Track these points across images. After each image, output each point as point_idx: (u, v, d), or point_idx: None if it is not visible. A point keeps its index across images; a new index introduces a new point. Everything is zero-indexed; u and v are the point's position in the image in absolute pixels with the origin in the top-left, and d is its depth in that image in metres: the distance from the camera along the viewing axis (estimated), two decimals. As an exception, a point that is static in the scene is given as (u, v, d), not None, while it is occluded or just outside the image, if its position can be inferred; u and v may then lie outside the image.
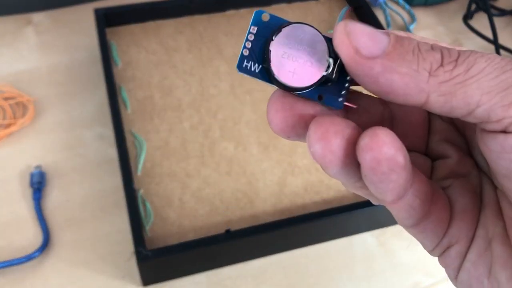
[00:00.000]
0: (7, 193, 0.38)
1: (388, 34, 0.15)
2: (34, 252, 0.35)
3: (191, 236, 0.35)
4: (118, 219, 0.37)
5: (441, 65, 0.15)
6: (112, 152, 0.41)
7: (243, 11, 0.50)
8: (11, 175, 0.39)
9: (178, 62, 0.46)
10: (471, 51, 0.15)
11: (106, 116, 0.43)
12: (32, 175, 0.39)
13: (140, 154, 0.39)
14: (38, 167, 0.39)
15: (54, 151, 0.41)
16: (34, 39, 0.49)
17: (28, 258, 0.35)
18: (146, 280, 0.34)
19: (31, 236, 0.36)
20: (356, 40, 0.15)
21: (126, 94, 0.43)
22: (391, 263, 0.37)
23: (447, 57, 0.15)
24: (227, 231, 0.34)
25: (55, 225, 0.37)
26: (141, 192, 0.37)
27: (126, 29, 0.48)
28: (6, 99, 0.43)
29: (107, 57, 0.42)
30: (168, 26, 0.48)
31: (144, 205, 0.36)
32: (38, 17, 0.51)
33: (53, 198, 0.38)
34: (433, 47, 0.15)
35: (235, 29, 0.49)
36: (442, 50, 0.15)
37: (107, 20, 0.46)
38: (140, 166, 0.38)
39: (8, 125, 0.42)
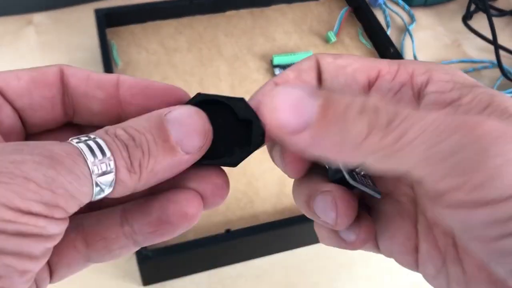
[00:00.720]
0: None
1: (316, 100, 0.15)
2: (35, 252, 0.35)
3: (191, 236, 0.35)
4: (118, 219, 0.37)
5: (370, 133, 0.14)
6: (113, 152, 0.41)
7: (243, 12, 0.51)
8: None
9: (178, 62, 0.46)
10: (409, 113, 0.14)
11: (106, 116, 0.43)
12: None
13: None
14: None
15: (54, 151, 0.41)
16: (34, 39, 0.49)
17: (29, 257, 0.35)
18: (146, 279, 0.34)
19: (32, 236, 0.36)
20: (280, 118, 0.15)
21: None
22: (390, 262, 0.37)
23: (377, 123, 0.14)
24: (227, 231, 0.34)
25: (55, 225, 0.37)
26: (141, 192, 0.37)
27: (127, 29, 0.48)
28: (6, 99, 0.43)
29: (107, 57, 0.42)
30: (168, 27, 0.48)
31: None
32: (39, 17, 0.51)
33: (54, 198, 0.38)
34: (363, 111, 0.14)
35: (235, 30, 0.49)
36: (371, 116, 0.14)
37: (108, 20, 0.46)
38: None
39: (8, 125, 0.42)
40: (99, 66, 0.44)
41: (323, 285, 0.36)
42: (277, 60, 0.46)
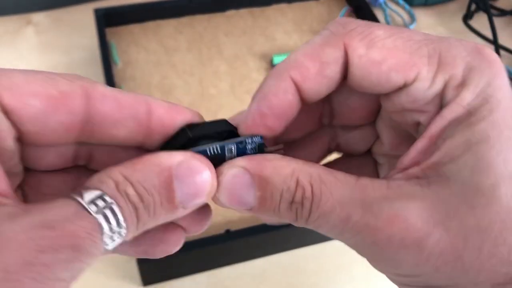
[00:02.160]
0: (7, 193, 0.38)
1: (255, 191, 0.17)
2: (34, 252, 0.35)
3: (191, 237, 0.35)
4: (118, 219, 0.37)
5: (296, 220, 0.18)
6: (112, 152, 0.41)
7: (242, 11, 0.51)
8: (10, 175, 0.39)
9: (178, 62, 0.46)
10: (320, 214, 0.17)
11: (106, 116, 0.43)
12: (31, 175, 0.39)
13: (140, 154, 0.39)
14: (37, 167, 0.39)
15: (53, 151, 0.41)
16: (34, 39, 0.49)
17: (28, 258, 0.35)
18: (146, 280, 0.34)
19: (31, 236, 0.36)
20: (225, 202, 0.18)
21: (126, 94, 0.43)
22: (391, 263, 0.37)
23: (301, 216, 0.17)
24: (227, 231, 0.34)
25: (54, 225, 0.37)
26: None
27: (126, 29, 0.48)
28: (5, 99, 0.43)
29: (106, 57, 0.42)
30: (167, 26, 0.48)
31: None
32: (38, 17, 0.51)
33: (53, 198, 0.38)
34: (291, 205, 0.17)
35: (235, 29, 0.49)
36: (297, 209, 0.17)
37: (107, 20, 0.46)
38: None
39: (7, 125, 0.42)
40: (99, 66, 0.44)
41: (322, 285, 0.36)
42: (277, 60, 0.46)
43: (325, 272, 0.36)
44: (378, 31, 0.17)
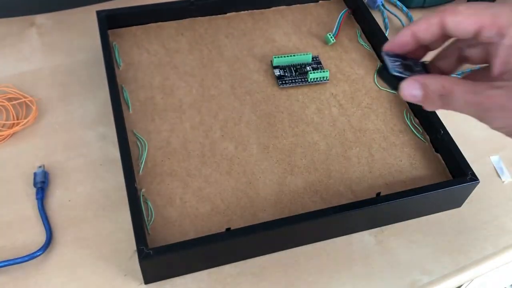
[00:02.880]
0: (11, 193, 0.39)
1: (421, 91, 0.30)
2: (37, 251, 0.35)
3: (192, 235, 0.36)
4: (120, 218, 0.38)
5: (443, 106, 0.30)
6: (114, 152, 0.41)
7: (243, 13, 0.51)
8: (14, 175, 0.40)
9: (179, 63, 0.46)
10: (452, 100, 0.29)
11: (108, 117, 0.43)
12: (35, 175, 0.39)
13: (142, 154, 0.39)
14: (41, 166, 0.40)
15: (57, 151, 0.41)
16: (37, 40, 0.49)
17: (31, 256, 0.35)
18: (148, 278, 0.35)
19: (34, 235, 0.37)
20: (407, 97, 0.30)
21: (128, 95, 0.43)
22: (389, 261, 0.38)
23: (444, 103, 0.30)
24: (228, 229, 0.34)
25: (58, 224, 0.37)
26: (142, 192, 0.37)
27: (128, 31, 0.48)
28: (9, 99, 0.44)
29: (109, 59, 0.43)
30: (169, 28, 0.49)
31: (146, 204, 0.37)
32: (41, 19, 0.51)
33: (56, 198, 0.39)
34: (440, 96, 0.29)
35: (236, 31, 0.49)
36: (443, 99, 0.30)
37: (109, 22, 0.47)
38: (142, 165, 0.39)
39: (11, 125, 0.42)
40: (101, 67, 0.45)
41: (322, 283, 0.36)
42: (277, 61, 0.46)
43: (324, 270, 0.37)
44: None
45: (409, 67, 0.30)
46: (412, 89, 0.29)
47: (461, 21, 0.28)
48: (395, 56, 0.31)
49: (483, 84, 0.27)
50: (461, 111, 0.28)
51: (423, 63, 0.31)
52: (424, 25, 0.29)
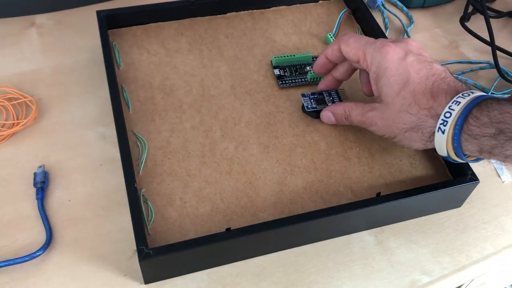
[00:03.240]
0: (11, 193, 0.39)
1: (331, 115, 0.43)
2: (37, 251, 0.35)
3: (192, 235, 0.36)
4: (120, 218, 0.38)
5: (350, 124, 0.43)
6: (114, 152, 0.41)
7: (243, 13, 0.51)
8: (14, 175, 0.40)
9: (179, 63, 0.46)
10: (352, 119, 0.43)
11: (108, 117, 0.43)
12: (35, 175, 0.39)
13: (142, 154, 0.39)
14: (41, 166, 0.40)
15: (57, 151, 0.41)
16: (37, 40, 0.49)
17: (31, 256, 0.35)
18: (147, 278, 0.35)
19: (34, 235, 0.37)
20: (325, 119, 0.44)
21: (128, 94, 0.43)
22: (389, 261, 0.38)
23: (347, 120, 0.43)
24: (228, 229, 0.34)
25: (58, 224, 0.37)
26: (142, 192, 0.37)
27: (128, 30, 0.48)
28: (9, 99, 0.44)
29: (109, 58, 0.43)
30: (169, 28, 0.49)
31: (146, 204, 0.37)
32: (41, 19, 0.51)
33: (56, 197, 0.39)
34: (345, 119, 0.43)
35: (236, 31, 0.49)
36: (347, 120, 0.43)
37: (109, 22, 0.47)
38: (142, 165, 0.39)
39: (11, 125, 0.42)
40: (101, 67, 0.45)
41: (321, 283, 0.36)
42: (277, 61, 0.46)
43: (324, 270, 0.37)
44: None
45: (322, 100, 0.43)
46: (326, 117, 0.41)
47: (348, 51, 0.39)
48: (312, 94, 0.43)
49: (368, 106, 0.38)
50: (359, 126, 0.40)
51: (336, 91, 0.44)
52: (330, 50, 0.41)
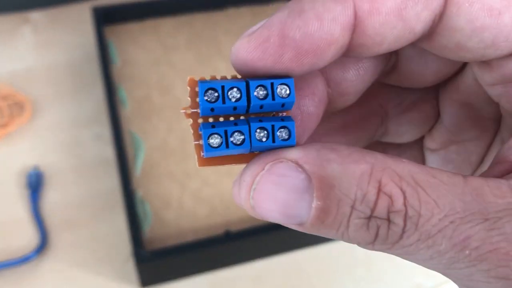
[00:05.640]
0: (4, 194, 0.38)
1: (311, 200, 0.11)
2: (31, 254, 0.35)
3: (190, 237, 0.35)
4: (116, 220, 0.37)
5: (374, 244, 0.12)
6: (111, 152, 0.41)
7: (242, 9, 0.50)
8: (7, 176, 0.39)
9: (177, 60, 0.45)
10: (420, 237, 0.11)
11: (104, 116, 0.42)
12: (29, 176, 0.38)
13: (139, 154, 0.39)
14: (35, 167, 0.39)
15: (51, 151, 0.41)
16: (31, 37, 0.48)
17: (25, 259, 0.34)
18: (144, 281, 0.34)
19: (28, 238, 0.36)
20: (262, 214, 0.12)
21: (124, 93, 0.42)
22: (392, 264, 0.37)
23: (383, 238, 0.12)
24: (226, 232, 0.33)
25: (52, 226, 0.37)
26: (140, 193, 0.37)
27: (124, 27, 0.47)
28: (3, 98, 0.43)
29: (105, 56, 0.42)
30: (166, 24, 0.48)
31: (143, 206, 0.36)
32: (36, 15, 0.50)
33: (51, 199, 0.38)
34: (370, 220, 0.11)
35: (235, 28, 0.49)
36: (378, 230, 0.11)
37: (105, 18, 0.46)
38: (139, 166, 0.38)
39: (4, 125, 0.42)
40: (97, 64, 0.44)
41: (323, 287, 0.36)
42: (277, 59, 0.46)
43: (326, 274, 0.36)
44: None
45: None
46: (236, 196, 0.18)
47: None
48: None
49: None
50: None
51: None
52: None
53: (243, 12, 0.50)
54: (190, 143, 0.43)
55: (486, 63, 0.13)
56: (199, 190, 0.37)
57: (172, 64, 0.45)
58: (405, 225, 0.11)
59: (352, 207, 0.11)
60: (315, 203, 0.11)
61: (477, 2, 0.12)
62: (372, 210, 0.11)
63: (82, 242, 0.36)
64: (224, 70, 0.45)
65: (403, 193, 0.11)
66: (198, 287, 0.35)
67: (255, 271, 0.36)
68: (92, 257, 0.35)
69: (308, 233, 0.12)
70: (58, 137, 0.42)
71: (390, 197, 0.11)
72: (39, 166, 0.39)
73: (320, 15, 0.12)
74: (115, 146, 0.36)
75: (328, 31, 0.12)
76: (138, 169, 0.38)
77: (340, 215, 0.11)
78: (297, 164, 0.11)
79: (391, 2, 0.12)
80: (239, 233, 0.33)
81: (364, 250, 0.40)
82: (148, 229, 0.35)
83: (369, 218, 0.11)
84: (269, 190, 0.12)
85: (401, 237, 0.11)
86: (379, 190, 0.11)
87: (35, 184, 0.38)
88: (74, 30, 0.49)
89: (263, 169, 0.12)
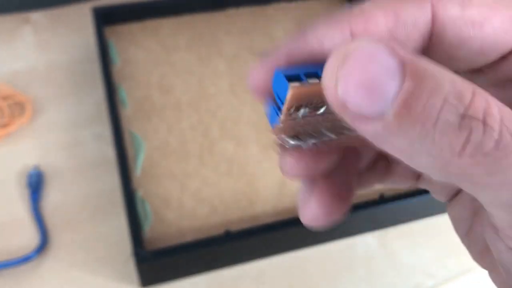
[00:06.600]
0: (4, 194, 0.38)
1: (400, 81, 0.10)
2: (31, 253, 0.35)
3: (190, 237, 0.35)
4: (116, 220, 0.37)
5: (462, 154, 0.10)
6: (111, 152, 0.41)
7: (243, 10, 0.50)
8: (8, 176, 0.39)
9: (177, 61, 0.45)
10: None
11: (104, 116, 0.42)
12: (29, 176, 0.38)
13: (139, 154, 0.39)
14: (35, 167, 0.39)
15: (52, 151, 0.41)
16: (32, 38, 0.49)
17: (25, 259, 0.34)
18: (144, 281, 0.34)
19: (29, 237, 0.36)
20: (346, 93, 0.11)
21: (125, 93, 0.42)
22: (392, 264, 0.37)
23: (476, 143, 0.10)
24: (227, 232, 0.33)
25: (52, 226, 0.37)
26: (140, 193, 0.37)
27: (125, 27, 0.47)
28: (3, 98, 0.43)
29: (105, 56, 0.42)
30: (167, 25, 0.48)
31: (143, 206, 0.36)
32: (36, 16, 0.50)
33: (51, 199, 0.38)
34: (464, 118, 0.10)
35: (235, 28, 0.49)
36: (472, 129, 0.10)
37: (105, 18, 0.46)
38: (139, 166, 0.38)
39: (5, 125, 0.42)
40: (97, 65, 0.44)
41: (323, 287, 0.35)
42: (277, 59, 0.46)
43: (326, 273, 0.36)
44: None
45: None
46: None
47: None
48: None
49: None
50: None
51: None
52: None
53: (243, 13, 0.50)
54: (190, 142, 0.43)
55: (478, 70, 0.14)
56: (199, 190, 0.37)
57: (172, 64, 0.45)
58: (501, 132, 0.10)
59: (445, 100, 0.10)
60: (406, 84, 0.10)
61: (459, 19, 0.13)
62: (467, 108, 0.10)
63: (82, 242, 0.36)
64: (224, 70, 0.45)
65: (498, 106, 0.10)
66: (198, 287, 0.35)
67: (255, 271, 0.36)
68: (92, 257, 0.35)
69: (382, 136, 0.11)
70: (59, 137, 0.42)
71: (486, 101, 0.10)
72: (39, 166, 0.39)
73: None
74: (115, 146, 0.36)
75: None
76: (138, 169, 0.38)
77: (430, 105, 0.10)
78: (392, 48, 0.11)
79: (382, 25, 0.13)
80: (239, 233, 0.33)
81: (364, 250, 0.40)
82: (148, 229, 0.35)
83: (463, 116, 0.10)
84: (362, 60, 0.10)
85: (497, 146, 0.10)
86: (473, 95, 0.10)
87: (35, 184, 0.38)
88: (74, 30, 0.49)
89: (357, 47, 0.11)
